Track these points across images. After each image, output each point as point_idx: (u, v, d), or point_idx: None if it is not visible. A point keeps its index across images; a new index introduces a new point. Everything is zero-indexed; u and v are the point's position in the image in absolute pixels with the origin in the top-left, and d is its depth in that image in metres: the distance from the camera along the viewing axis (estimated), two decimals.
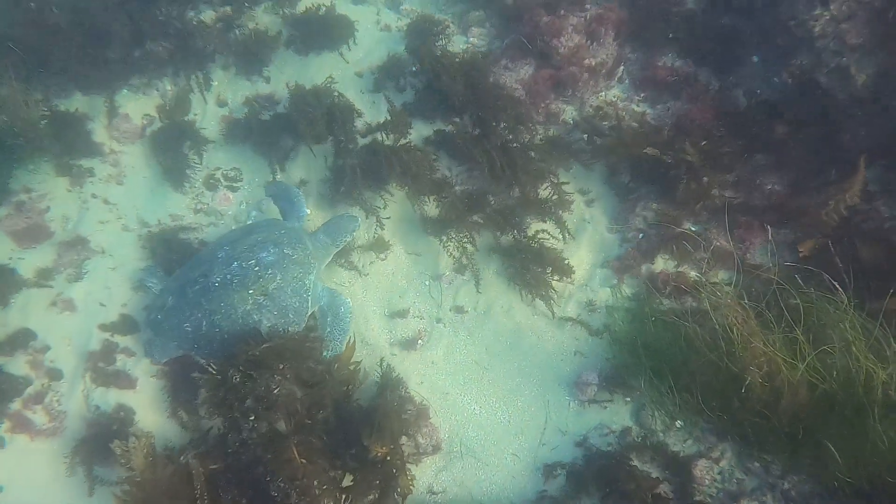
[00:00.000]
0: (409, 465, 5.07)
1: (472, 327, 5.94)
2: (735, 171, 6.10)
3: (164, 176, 6.49)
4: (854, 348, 4.58)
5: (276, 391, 4.83)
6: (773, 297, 5.00)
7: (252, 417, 4.75)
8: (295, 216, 6.02)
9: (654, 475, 5.13)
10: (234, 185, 6.52)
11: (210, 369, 4.94)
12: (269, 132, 6.54)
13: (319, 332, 5.56)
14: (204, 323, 5.30)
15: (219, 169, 6.56)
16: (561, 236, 6.12)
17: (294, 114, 6.41)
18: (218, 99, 6.83)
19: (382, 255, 6.21)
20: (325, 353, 5.40)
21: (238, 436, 4.77)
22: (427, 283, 6.13)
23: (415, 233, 6.29)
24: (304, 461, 4.64)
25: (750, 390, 4.76)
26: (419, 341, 5.88)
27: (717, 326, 4.92)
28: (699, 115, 6.31)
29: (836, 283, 4.78)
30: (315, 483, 4.62)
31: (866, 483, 4.57)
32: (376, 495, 4.91)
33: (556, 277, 5.96)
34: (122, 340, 5.74)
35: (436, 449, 5.42)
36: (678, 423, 5.41)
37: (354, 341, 5.54)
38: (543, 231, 6.04)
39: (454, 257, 6.05)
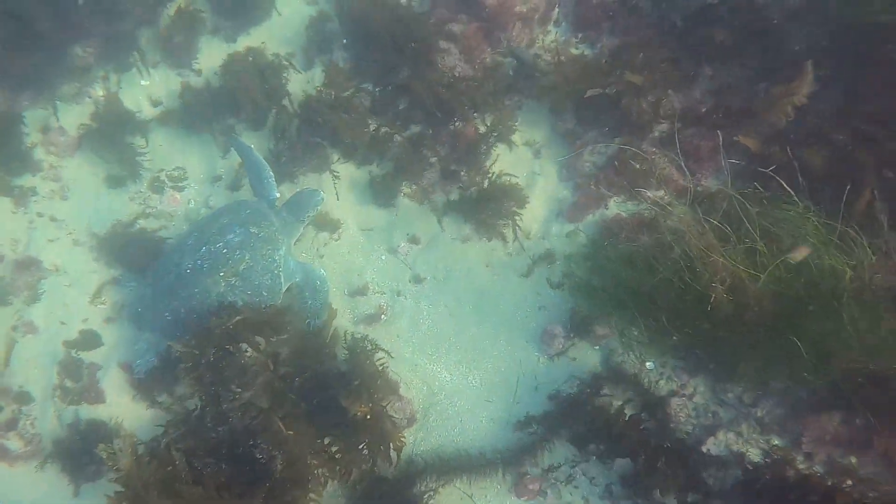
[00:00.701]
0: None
1: (433, 295, 5.91)
2: (678, 89, 5.95)
3: (109, 184, 6.39)
4: (820, 250, 4.58)
5: (252, 364, 4.91)
6: (731, 211, 4.94)
7: (236, 388, 4.82)
8: (264, 197, 5.99)
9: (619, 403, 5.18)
10: (180, 184, 6.42)
11: (187, 345, 5.00)
12: (207, 114, 6.45)
13: (299, 305, 5.65)
14: (182, 310, 5.38)
15: (162, 170, 6.45)
16: (507, 147, 6.18)
17: (229, 81, 6.32)
18: (151, 99, 6.67)
19: (335, 235, 6.14)
20: (310, 324, 5.54)
21: (216, 409, 4.85)
22: (384, 257, 6.08)
23: (365, 208, 6.23)
24: (290, 433, 4.71)
25: (716, 307, 4.72)
26: (382, 316, 5.85)
27: (675, 247, 4.85)
28: (637, 40, 6.14)
29: (790, 190, 4.77)
30: (308, 452, 4.72)
31: (840, 377, 4.58)
32: (370, 460, 5.01)
33: (514, 206, 5.93)
34: (87, 356, 5.74)
35: (410, 421, 5.46)
36: (648, 365, 5.41)
37: (335, 310, 5.64)
38: (494, 164, 6.07)
39: (409, 195, 6.12)
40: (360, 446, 4.97)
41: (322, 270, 5.84)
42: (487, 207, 5.89)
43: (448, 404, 5.54)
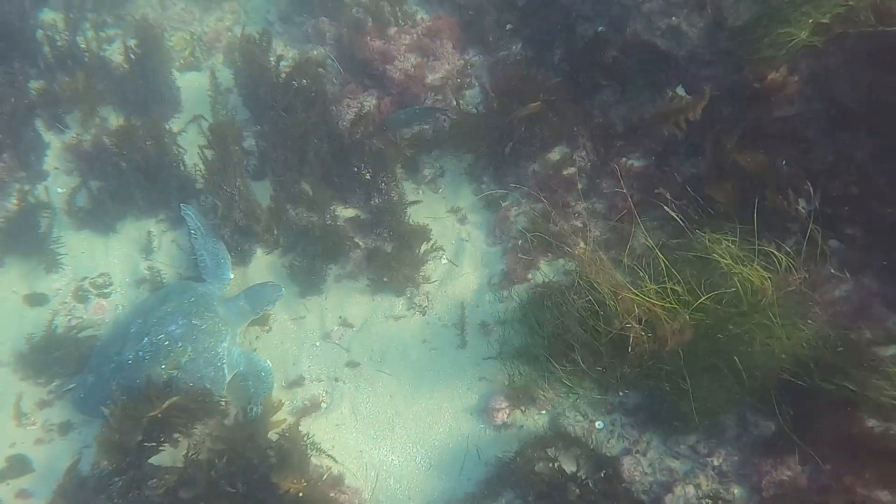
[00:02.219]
0: None
1: (370, 378, 5.76)
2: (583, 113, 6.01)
3: (31, 302, 6.18)
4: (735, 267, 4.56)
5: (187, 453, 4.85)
6: (649, 259, 4.90)
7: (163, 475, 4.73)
8: (216, 277, 5.91)
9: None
10: (105, 290, 6.24)
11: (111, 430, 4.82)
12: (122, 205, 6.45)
13: (242, 393, 5.56)
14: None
15: (85, 278, 6.27)
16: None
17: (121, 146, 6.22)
18: (68, 206, 6.53)
19: (267, 328, 5.99)
20: (252, 410, 5.40)
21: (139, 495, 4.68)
22: (317, 344, 5.93)
23: (292, 298, 6.12)
24: None
25: (636, 346, 4.61)
26: (322, 404, 5.67)
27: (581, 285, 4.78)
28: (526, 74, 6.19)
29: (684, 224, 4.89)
30: None
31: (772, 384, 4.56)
32: None
33: (422, 247, 5.97)
34: (16, 483, 5.46)
35: None
36: (598, 424, 5.27)
37: (279, 401, 5.43)
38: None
39: (336, 278, 6.07)
40: None
41: (266, 361, 5.70)
42: (398, 257, 5.87)
43: (398, 488, 5.35)
